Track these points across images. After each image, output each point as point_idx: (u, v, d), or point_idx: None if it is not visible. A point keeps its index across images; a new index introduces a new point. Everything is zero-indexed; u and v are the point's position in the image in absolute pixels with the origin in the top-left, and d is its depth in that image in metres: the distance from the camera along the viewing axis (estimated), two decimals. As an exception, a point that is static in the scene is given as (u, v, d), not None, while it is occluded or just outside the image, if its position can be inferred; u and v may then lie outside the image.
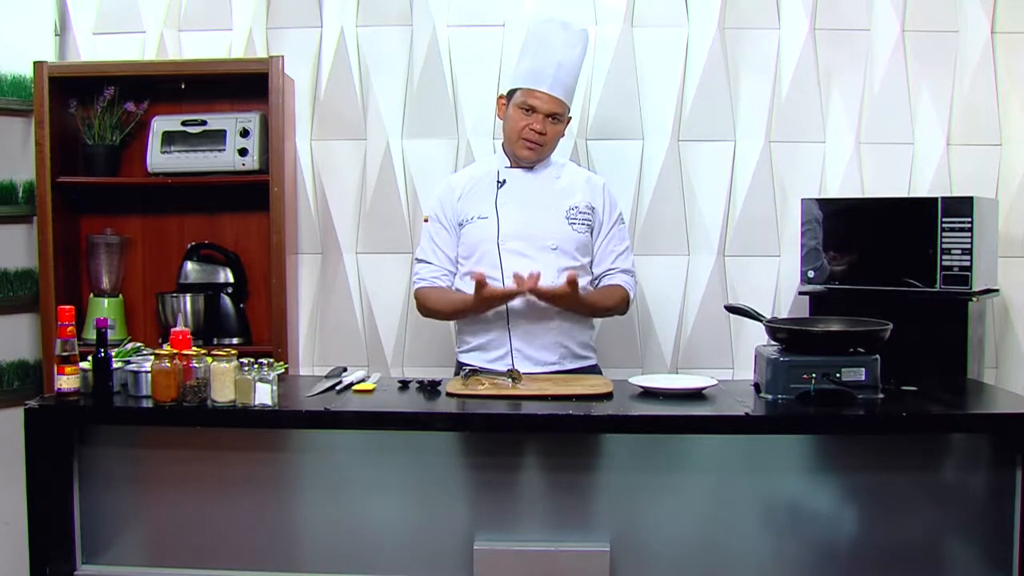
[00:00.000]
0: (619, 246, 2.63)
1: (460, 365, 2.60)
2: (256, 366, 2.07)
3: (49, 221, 2.96)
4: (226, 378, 2.05)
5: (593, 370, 2.61)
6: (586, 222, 2.57)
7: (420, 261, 2.63)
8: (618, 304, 2.60)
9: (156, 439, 2.17)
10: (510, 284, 2.44)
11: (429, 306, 2.60)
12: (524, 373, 2.32)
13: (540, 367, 2.49)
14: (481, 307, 2.48)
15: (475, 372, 2.33)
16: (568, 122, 2.61)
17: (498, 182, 2.56)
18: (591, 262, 2.61)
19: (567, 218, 2.55)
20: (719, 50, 3.15)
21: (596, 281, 2.63)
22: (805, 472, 2.12)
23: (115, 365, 2.15)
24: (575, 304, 2.47)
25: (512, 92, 2.56)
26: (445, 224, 2.59)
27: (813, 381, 2.08)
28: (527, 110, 2.51)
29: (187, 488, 2.16)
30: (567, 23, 2.59)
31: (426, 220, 2.65)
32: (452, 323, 2.83)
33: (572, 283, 2.39)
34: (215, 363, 2.06)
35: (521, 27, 3.14)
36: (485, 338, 2.55)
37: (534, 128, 2.50)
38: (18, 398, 2.63)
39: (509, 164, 2.60)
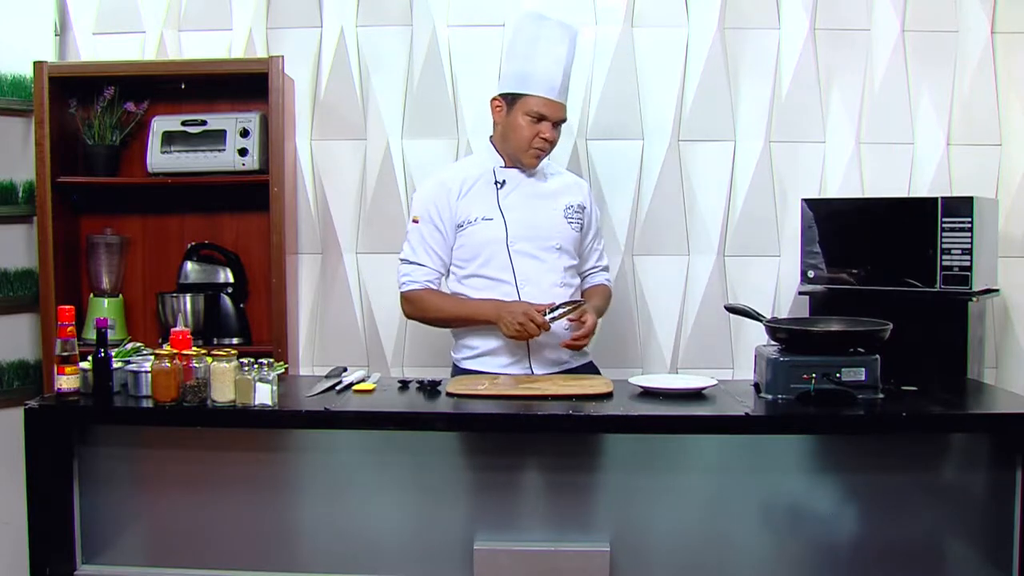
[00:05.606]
0: (599, 244, 2.72)
1: (458, 371, 2.56)
2: (256, 366, 2.07)
3: (49, 221, 2.96)
4: (226, 378, 2.05)
5: (590, 366, 2.62)
6: (579, 220, 2.59)
7: (409, 263, 2.52)
8: (608, 302, 2.70)
9: (156, 439, 2.17)
10: (523, 285, 2.46)
11: (425, 307, 2.51)
12: (542, 374, 2.34)
13: (556, 367, 2.51)
14: (510, 314, 2.38)
15: None
16: None
17: (497, 182, 2.54)
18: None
19: (566, 217, 2.55)
20: (719, 50, 3.15)
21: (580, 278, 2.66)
22: (805, 472, 2.12)
23: (115, 365, 2.15)
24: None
25: (513, 96, 2.48)
26: (440, 225, 2.49)
27: (813, 381, 2.08)
28: (537, 119, 2.46)
29: (187, 488, 2.16)
30: (561, 21, 2.52)
31: (416, 221, 2.52)
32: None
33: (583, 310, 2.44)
34: (215, 363, 2.06)
35: (521, 27, 3.15)
36: (496, 343, 2.48)
37: (545, 137, 2.47)
38: (18, 398, 2.63)
39: (504, 163, 2.56)
